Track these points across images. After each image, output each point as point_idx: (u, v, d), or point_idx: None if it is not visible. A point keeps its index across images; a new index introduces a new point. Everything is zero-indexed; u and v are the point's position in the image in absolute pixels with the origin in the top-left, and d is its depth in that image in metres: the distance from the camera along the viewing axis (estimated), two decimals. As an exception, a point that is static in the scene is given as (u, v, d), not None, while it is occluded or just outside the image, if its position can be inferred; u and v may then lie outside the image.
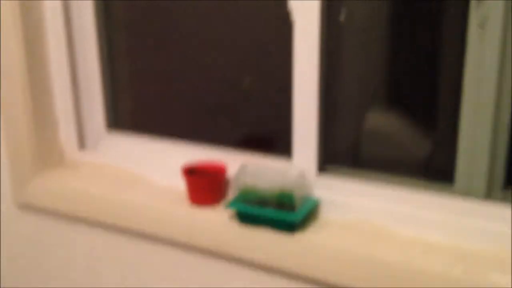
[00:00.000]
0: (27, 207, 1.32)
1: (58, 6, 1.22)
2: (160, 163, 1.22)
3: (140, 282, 1.22)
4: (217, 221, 1.05)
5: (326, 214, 1.05)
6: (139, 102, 1.33)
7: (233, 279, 1.09)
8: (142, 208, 1.13)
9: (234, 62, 1.18)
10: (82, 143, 1.32)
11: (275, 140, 1.16)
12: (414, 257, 0.91)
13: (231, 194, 1.09)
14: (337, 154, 1.09)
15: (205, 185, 1.09)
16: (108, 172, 1.27)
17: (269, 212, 1.00)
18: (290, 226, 0.98)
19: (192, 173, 1.12)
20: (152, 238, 1.17)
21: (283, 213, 0.99)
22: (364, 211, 1.02)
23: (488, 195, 0.94)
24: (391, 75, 1.05)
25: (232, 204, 1.03)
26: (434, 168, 1.02)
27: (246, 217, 1.02)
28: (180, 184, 1.15)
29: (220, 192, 1.11)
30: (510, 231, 0.91)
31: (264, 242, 1.01)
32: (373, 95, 1.07)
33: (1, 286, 1.44)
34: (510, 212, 0.91)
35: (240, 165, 1.05)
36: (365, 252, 0.93)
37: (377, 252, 0.93)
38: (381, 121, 1.06)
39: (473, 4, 0.88)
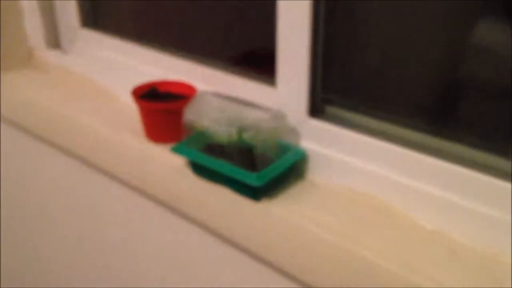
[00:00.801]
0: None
1: None
2: (134, 76, 0.93)
3: (83, 211, 1.02)
4: (167, 165, 0.76)
5: (315, 176, 0.73)
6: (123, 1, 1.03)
7: (183, 235, 0.83)
8: (91, 134, 0.87)
9: None
10: (53, 41, 1.05)
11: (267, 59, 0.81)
12: (422, 267, 0.58)
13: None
14: (352, 87, 0.73)
15: (160, 114, 0.79)
16: (73, 80, 1.01)
17: (224, 166, 0.69)
18: (250, 189, 0.68)
19: (150, 97, 0.83)
20: (100, 169, 0.92)
21: (242, 171, 0.67)
22: (371, 179, 0.68)
23: None
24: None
25: (178, 147, 0.73)
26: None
27: (199, 168, 0.73)
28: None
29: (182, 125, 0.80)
30: None
31: (214, 204, 0.71)
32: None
33: None
34: None
35: (197, 94, 0.74)
36: (349, 246, 0.61)
37: (366, 248, 0.60)
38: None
39: None
